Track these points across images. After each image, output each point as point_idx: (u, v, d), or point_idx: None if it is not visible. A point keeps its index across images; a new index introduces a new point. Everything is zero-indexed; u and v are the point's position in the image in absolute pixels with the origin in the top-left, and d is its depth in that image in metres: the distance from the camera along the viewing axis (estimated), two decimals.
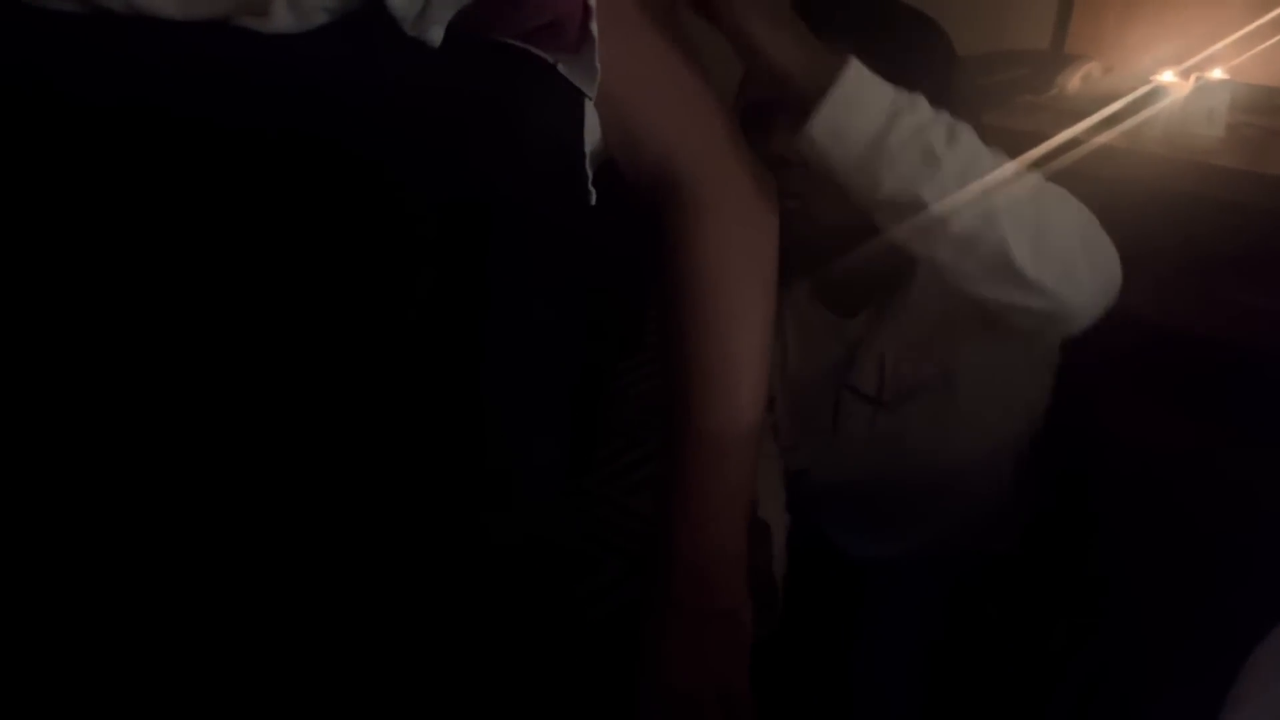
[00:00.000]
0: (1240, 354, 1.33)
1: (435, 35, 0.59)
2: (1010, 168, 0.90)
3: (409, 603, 0.67)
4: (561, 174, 0.68)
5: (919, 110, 0.87)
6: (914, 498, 1.08)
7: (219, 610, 0.63)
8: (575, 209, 0.70)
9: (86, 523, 0.62)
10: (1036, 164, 1.46)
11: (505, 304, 0.64)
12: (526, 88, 0.64)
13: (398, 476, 0.63)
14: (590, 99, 0.69)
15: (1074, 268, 0.90)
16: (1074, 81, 1.62)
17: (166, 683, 0.64)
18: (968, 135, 0.88)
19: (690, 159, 0.75)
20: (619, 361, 1.06)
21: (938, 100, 1.08)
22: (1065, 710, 1.00)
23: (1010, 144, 1.44)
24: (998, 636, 1.04)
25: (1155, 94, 1.51)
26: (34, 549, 0.62)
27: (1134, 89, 1.51)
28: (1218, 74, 1.53)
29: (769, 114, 1.05)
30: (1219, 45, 1.58)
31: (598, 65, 0.67)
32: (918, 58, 1.06)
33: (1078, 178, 1.46)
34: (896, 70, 1.05)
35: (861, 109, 0.85)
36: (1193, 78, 1.53)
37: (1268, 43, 1.62)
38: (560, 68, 0.67)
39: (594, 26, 0.66)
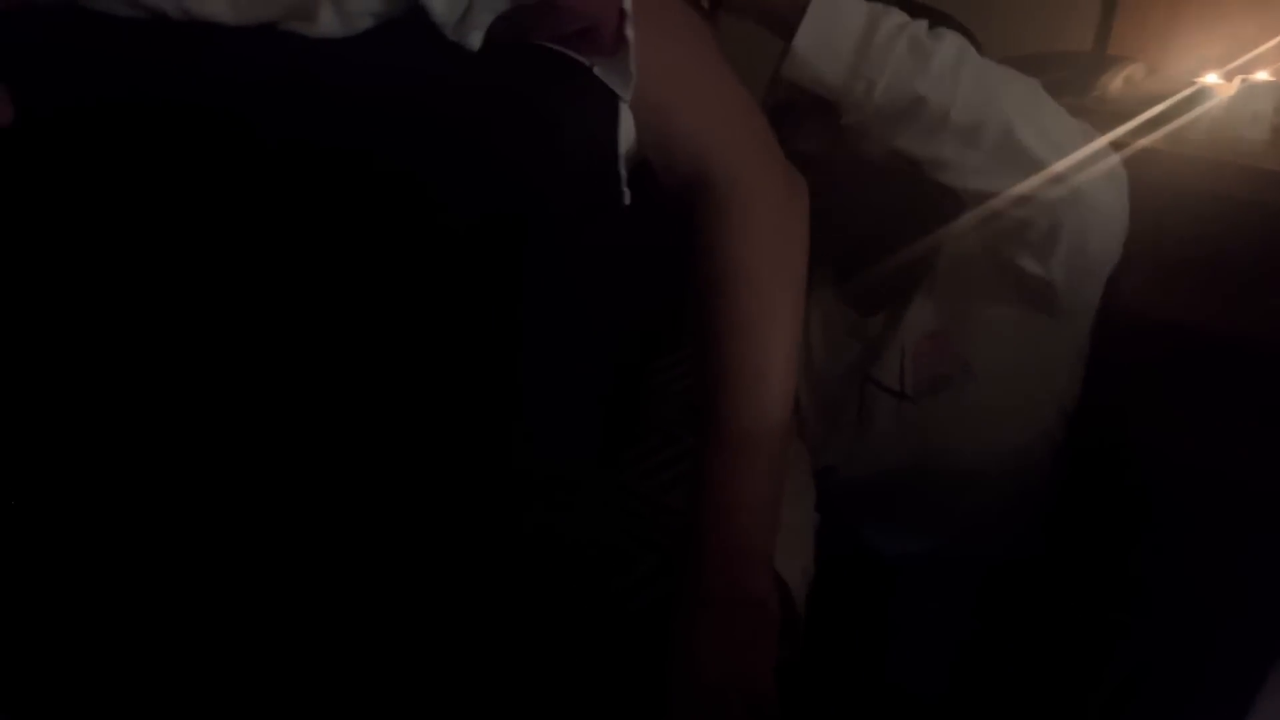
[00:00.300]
0: None
1: (475, 40, 0.61)
2: (997, 62, 0.90)
3: (442, 596, 0.69)
4: (596, 175, 0.70)
5: (896, 14, 0.88)
6: (942, 492, 1.09)
7: (251, 606, 0.65)
8: (609, 209, 0.71)
9: (134, 515, 0.64)
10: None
11: (539, 302, 0.65)
12: (563, 90, 0.66)
13: (431, 472, 0.65)
14: (625, 102, 0.70)
15: (1079, 150, 0.91)
16: (1116, 83, 1.60)
17: (197, 677, 0.66)
18: (951, 33, 0.89)
19: (723, 160, 0.76)
20: (656, 359, 1.08)
21: None
22: (1100, 710, 0.99)
23: None
24: (1029, 634, 1.04)
25: (1199, 96, 1.49)
26: (74, 543, 0.64)
27: (1177, 91, 1.50)
28: (1263, 76, 1.51)
29: (796, 114, 1.07)
30: (1265, 47, 1.56)
31: (633, 69, 0.69)
32: None
33: None
34: None
35: (841, 17, 0.86)
36: (1238, 80, 1.51)
37: None
38: (596, 71, 0.68)
39: (630, 31, 0.67)
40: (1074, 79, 1.65)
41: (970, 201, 0.97)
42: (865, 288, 1.08)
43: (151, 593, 0.65)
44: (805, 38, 0.86)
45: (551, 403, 0.68)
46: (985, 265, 1.03)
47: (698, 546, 0.75)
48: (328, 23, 0.60)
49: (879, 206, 1.07)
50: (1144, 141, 1.50)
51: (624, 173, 0.73)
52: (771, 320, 0.76)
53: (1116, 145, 1.49)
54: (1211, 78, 1.54)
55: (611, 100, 0.70)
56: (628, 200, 0.72)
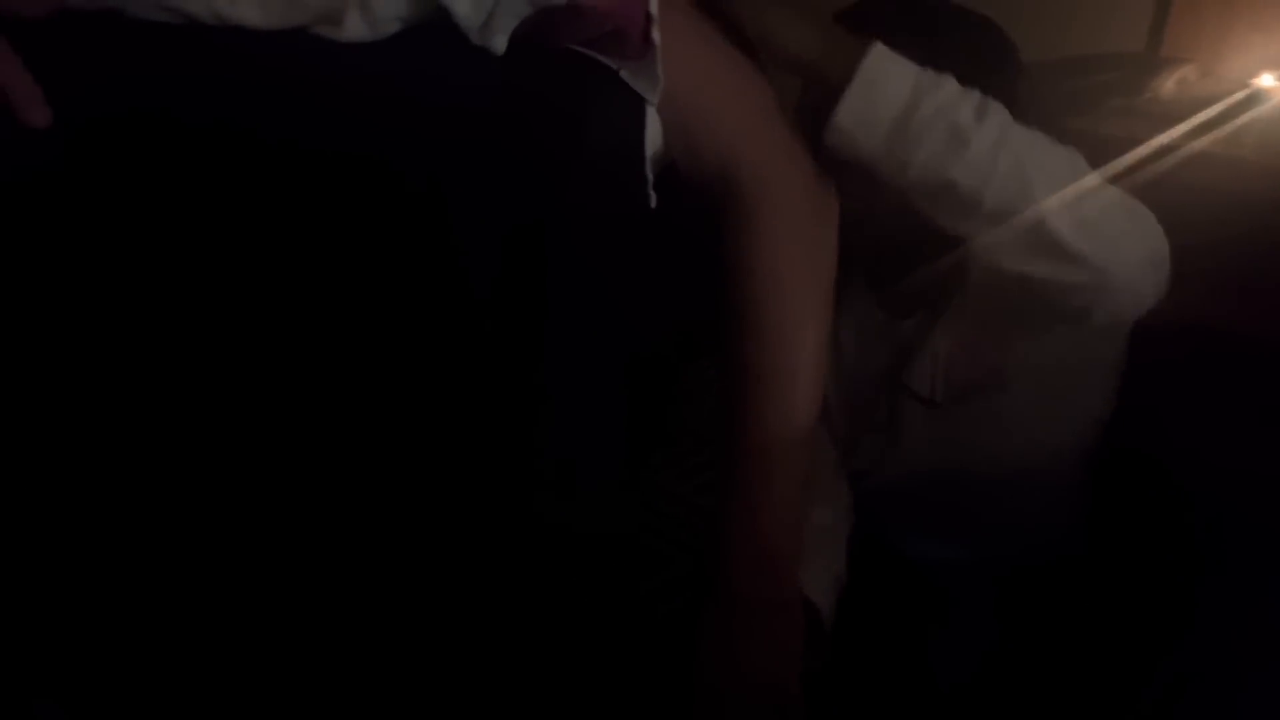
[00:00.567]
0: None
1: (500, 44, 0.62)
2: (1044, 138, 0.87)
3: (467, 598, 0.70)
4: (623, 178, 0.70)
5: (945, 87, 0.86)
6: (975, 500, 1.08)
7: (273, 600, 0.66)
8: (636, 212, 0.72)
9: (155, 513, 0.65)
10: (1127, 171, 1.44)
11: (564, 303, 0.66)
12: (589, 93, 0.66)
13: (452, 476, 0.66)
14: (653, 105, 0.71)
15: (1116, 236, 0.88)
16: (1168, 85, 1.57)
17: (206, 675, 0.67)
18: (997, 109, 0.86)
19: (750, 164, 0.76)
20: (691, 361, 1.08)
21: (999, 101, 1.07)
22: (1147, 714, 0.98)
23: (1100, 149, 1.42)
24: (1072, 638, 1.02)
25: (1253, 98, 1.46)
26: (91, 539, 0.65)
27: (1231, 93, 1.47)
28: None
29: (827, 118, 1.06)
30: None
31: (660, 73, 0.69)
32: (981, 63, 1.06)
33: (1170, 185, 1.44)
34: (959, 74, 1.05)
35: (885, 90, 0.84)
36: None
37: None
38: (623, 74, 0.69)
39: (656, 34, 0.68)
40: (1126, 80, 1.63)
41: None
42: (899, 291, 1.07)
43: (160, 589, 0.66)
44: (846, 111, 0.85)
45: (576, 405, 0.68)
46: (1019, 282, 1.02)
47: (723, 550, 0.76)
48: (354, 27, 0.61)
49: (916, 211, 1.06)
50: (1196, 144, 1.47)
51: (651, 176, 0.73)
52: (797, 323, 0.76)
53: (1169, 148, 1.48)
54: (1267, 79, 1.51)
55: (639, 103, 0.70)
56: (654, 203, 0.73)
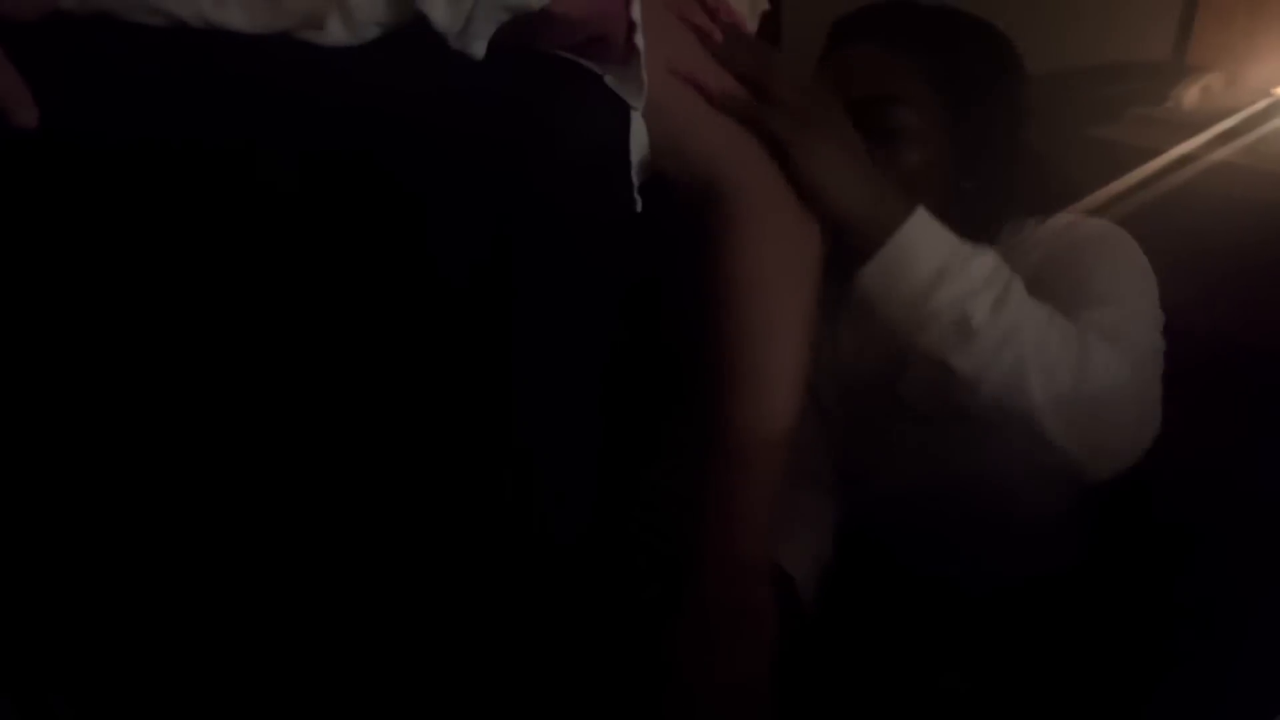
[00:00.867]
0: None
1: (478, 49, 0.63)
2: (1057, 333, 0.87)
3: (468, 603, 0.71)
4: (605, 183, 0.70)
5: (970, 272, 0.86)
6: (968, 510, 1.07)
7: (254, 596, 0.68)
8: (621, 216, 0.72)
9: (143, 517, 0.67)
10: (1146, 181, 1.42)
11: (536, 305, 0.66)
12: (568, 98, 0.67)
13: (430, 482, 0.67)
14: (637, 110, 0.71)
15: (1104, 435, 0.88)
16: (1192, 94, 1.55)
17: (205, 677, 0.69)
18: (1017, 299, 0.86)
19: (734, 167, 0.76)
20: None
21: (1002, 110, 1.07)
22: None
23: (1121, 159, 1.41)
24: (1072, 648, 1.02)
25: (1277, 108, 1.44)
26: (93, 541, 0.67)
27: (1255, 102, 1.45)
28: None
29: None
30: None
31: (644, 78, 0.69)
32: (985, 70, 1.05)
33: (1192, 195, 1.42)
34: (962, 82, 1.04)
35: (913, 264, 0.85)
36: None
37: None
38: (607, 79, 0.69)
39: (640, 40, 0.68)
40: (1148, 89, 1.61)
41: None
42: None
43: (158, 591, 0.67)
44: (870, 276, 0.86)
45: (547, 403, 0.69)
46: None
47: (693, 552, 0.76)
48: (335, 32, 0.62)
49: None
50: (1219, 154, 1.46)
51: (636, 180, 0.73)
52: (776, 327, 0.76)
53: (1191, 157, 1.46)
54: None
55: (623, 109, 0.70)
56: (639, 208, 0.73)
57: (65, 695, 0.69)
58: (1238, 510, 1.13)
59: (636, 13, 0.67)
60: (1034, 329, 0.86)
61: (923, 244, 0.85)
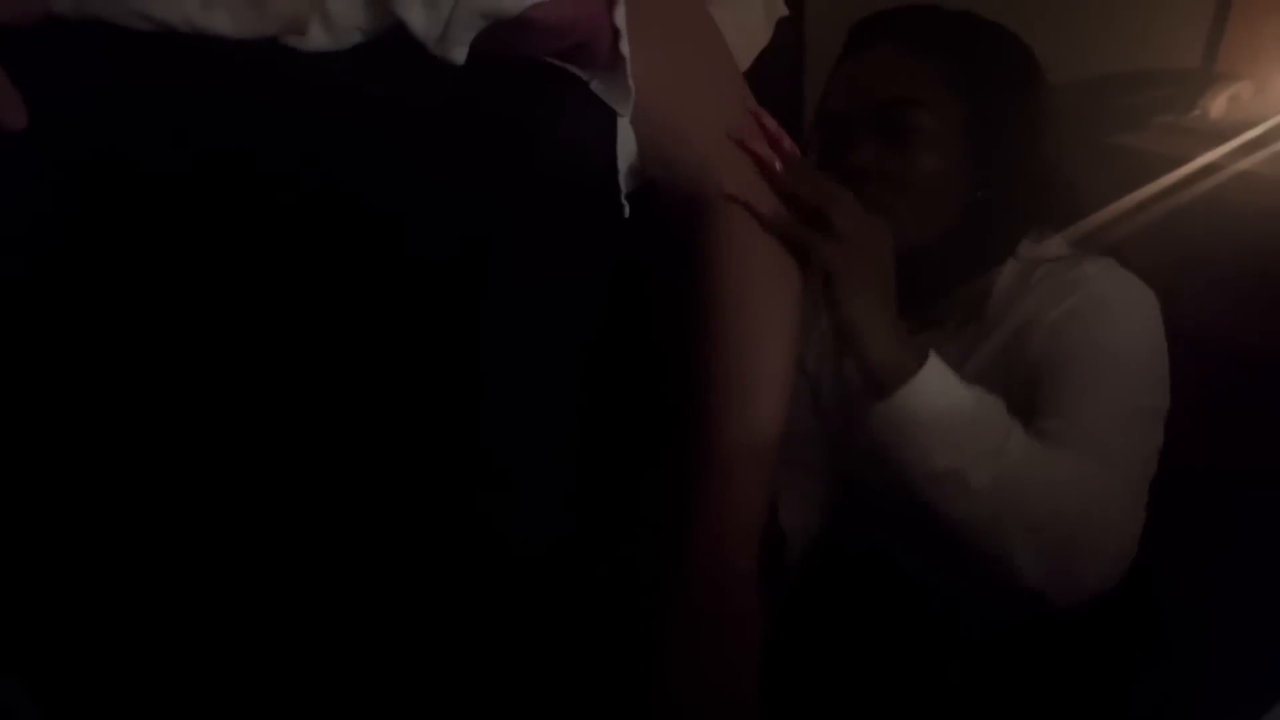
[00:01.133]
0: None
1: (458, 55, 0.63)
2: (1047, 488, 0.88)
3: (455, 605, 0.71)
4: (590, 189, 0.70)
5: (975, 433, 0.89)
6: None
7: (226, 590, 0.68)
8: (606, 222, 0.72)
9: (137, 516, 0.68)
10: (1171, 189, 1.40)
11: (511, 308, 0.67)
12: (549, 104, 0.67)
13: (404, 470, 0.67)
14: (625, 117, 0.71)
15: (1078, 575, 0.89)
16: (1219, 102, 1.53)
17: (200, 677, 0.69)
18: (1017, 457, 0.88)
19: (723, 177, 0.76)
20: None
21: (1021, 117, 1.06)
22: None
23: (1146, 167, 1.39)
24: (1057, 653, 1.01)
25: None
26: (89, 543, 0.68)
27: None
28: None
29: (851, 127, 1.05)
30: None
31: (631, 85, 0.69)
32: (1005, 76, 1.04)
33: (1217, 205, 1.40)
34: (981, 87, 1.03)
35: (919, 427, 0.88)
36: None
37: None
38: (594, 85, 0.69)
39: (624, 47, 0.68)
40: (1175, 97, 1.59)
41: None
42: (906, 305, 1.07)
43: (154, 592, 0.68)
44: (877, 416, 0.89)
45: (517, 405, 0.69)
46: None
47: (679, 560, 0.75)
48: (317, 37, 0.62)
49: (927, 222, 1.06)
50: (1243, 164, 1.43)
51: (625, 187, 0.74)
52: (762, 335, 0.76)
53: (1216, 166, 1.44)
54: None
55: (609, 115, 0.70)
56: (627, 214, 0.73)
57: (34, 688, 0.70)
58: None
59: (620, 19, 0.67)
60: (1029, 490, 0.88)
61: (932, 399, 0.88)
